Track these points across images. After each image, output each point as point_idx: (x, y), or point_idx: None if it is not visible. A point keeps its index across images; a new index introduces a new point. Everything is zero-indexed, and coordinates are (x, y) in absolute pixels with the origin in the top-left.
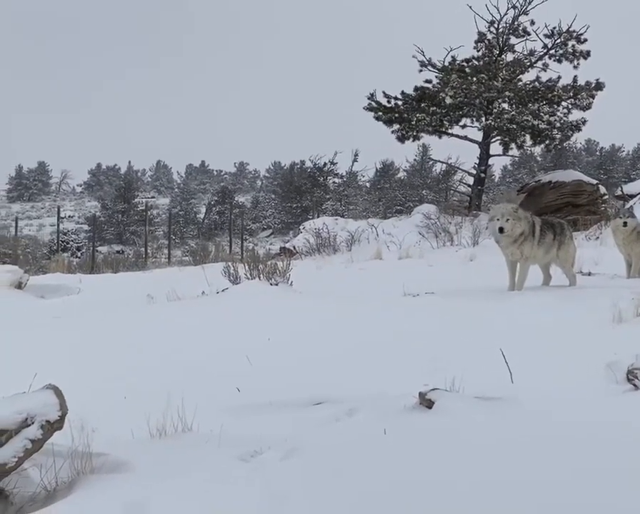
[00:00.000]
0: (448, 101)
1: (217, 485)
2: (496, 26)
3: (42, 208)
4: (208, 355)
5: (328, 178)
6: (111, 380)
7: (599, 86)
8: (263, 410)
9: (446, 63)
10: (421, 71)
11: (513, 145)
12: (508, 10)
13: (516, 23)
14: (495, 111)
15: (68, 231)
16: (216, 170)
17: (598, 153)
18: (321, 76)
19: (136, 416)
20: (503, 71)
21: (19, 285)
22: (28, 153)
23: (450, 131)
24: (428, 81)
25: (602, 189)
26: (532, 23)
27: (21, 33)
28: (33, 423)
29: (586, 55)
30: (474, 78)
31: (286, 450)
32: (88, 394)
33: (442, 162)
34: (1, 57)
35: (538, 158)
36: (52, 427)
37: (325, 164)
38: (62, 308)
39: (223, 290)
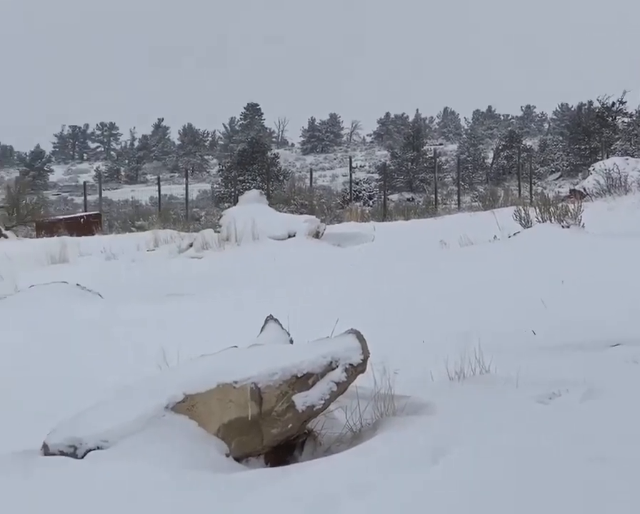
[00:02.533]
0: None
1: (515, 426)
2: None
3: (334, 159)
4: (499, 298)
5: (617, 117)
6: (407, 323)
7: None
8: (559, 352)
9: None
10: None
11: None
12: None
13: None
14: None
15: (360, 181)
16: (503, 115)
17: None
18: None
19: (434, 359)
20: None
21: (317, 235)
22: (320, 106)
23: None
24: None
25: None
26: None
27: None
28: (337, 367)
29: None
30: None
31: (584, 392)
32: (388, 338)
33: None
34: None
35: None
36: (355, 370)
37: (613, 104)
38: (358, 255)
39: (514, 234)
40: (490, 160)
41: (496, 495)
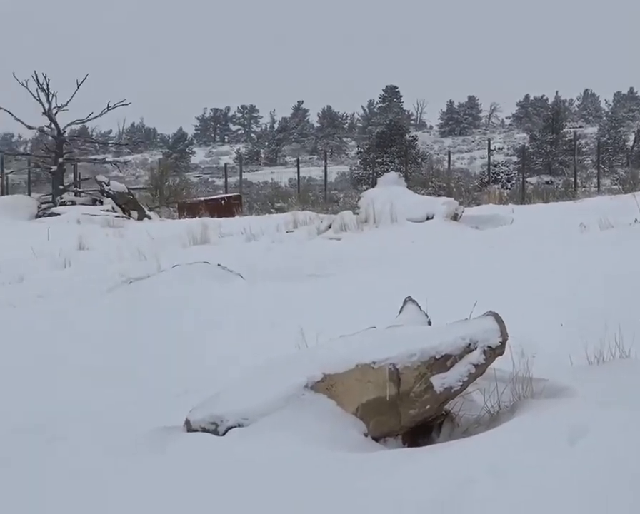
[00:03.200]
0: None
1: None
2: None
3: (472, 142)
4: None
5: None
6: (546, 306)
7: None
8: None
9: None
10: None
11: None
12: None
13: None
14: None
15: (498, 163)
16: None
17: None
18: None
19: (572, 342)
20: None
21: (455, 217)
22: (459, 88)
23: None
24: None
25: None
26: None
27: None
28: (475, 349)
29: None
30: None
31: None
32: (526, 320)
33: None
34: None
35: None
36: (494, 352)
37: None
38: (496, 237)
39: None
40: (631, 143)
41: (636, 481)
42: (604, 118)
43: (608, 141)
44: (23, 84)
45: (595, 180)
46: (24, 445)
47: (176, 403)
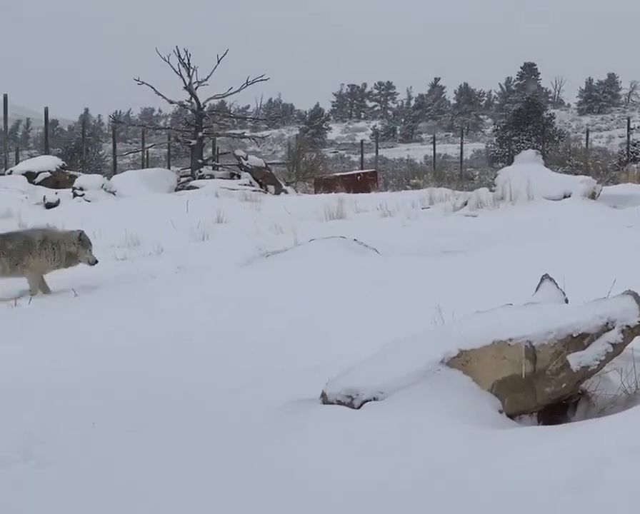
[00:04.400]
0: None
1: None
2: None
3: (611, 120)
4: None
5: None
6: None
7: None
8: None
9: None
10: None
11: None
12: None
13: None
14: None
15: (638, 142)
16: None
17: None
18: None
19: None
20: None
21: (592, 195)
22: (599, 66)
23: None
24: None
25: None
26: None
27: None
28: (613, 328)
29: None
30: None
31: None
32: None
33: None
34: None
35: None
36: (632, 332)
37: None
38: (636, 217)
39: None
40: None
41: None
42: None
43: None
44: (165, 59)
45: None
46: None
47: (310, 376)
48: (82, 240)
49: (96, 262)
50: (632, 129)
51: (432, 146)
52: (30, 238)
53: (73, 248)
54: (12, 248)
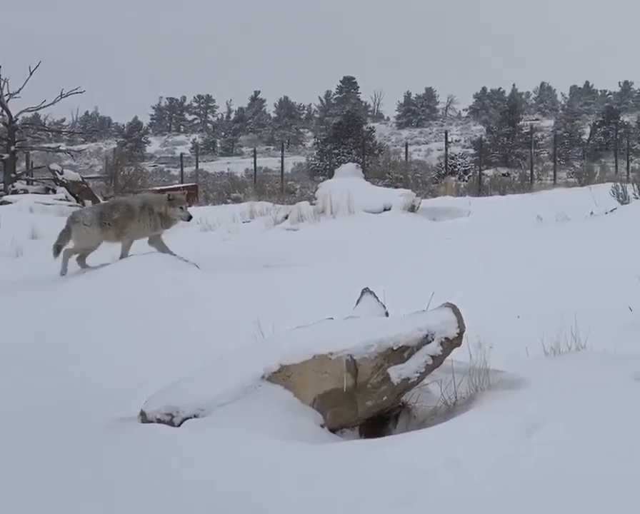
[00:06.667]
0: None
1: (612, 403)
2: None
3: (430, 134)
4: (595, 274)
5: None
6: (503, 298)
7: None
8: None
9: None
10: None
11: None
12: None
13: None
14: None
15: (455, 155)
16: (600, 91)
17: None
18: None
19: (529, 334)
20: None
21: (412, 208)
22: (416, 80)
23: None
24: None
25: None
26: None
27: None
28: (433, 340)
29: None
30: None
31: None
32: (484, 312)
33: None
34: None
35: None
36: (451, 344)
37: None
38: (454, 229)
39: (611, 211)
40: (586, 136)
41: (588, 472)
42: (560, 111)
43: (564, 134)
44: None
45: (551, 172)
46: None
47: (134, 394)
48: (170, 200)
49: (190, 218)
50: (450, 142)
51: (253, 160)
52: (131, 205)
53: (163, 209)
54: (117, 217)
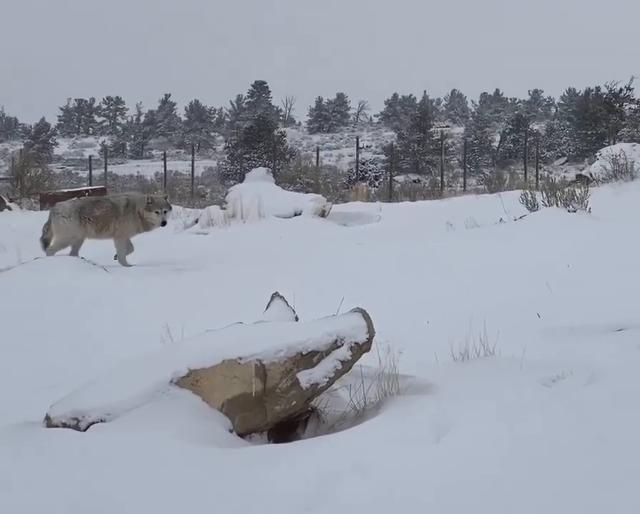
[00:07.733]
0: None
1: (519, 408)
2: None
3: (341, 139)
4: (504, 280)
5: (624, 104)
6: (412, 304)
7: None
8: (564, 335)
9: None
10: None
11: None
12: None
13: None
14: None
15: (366, 161)
16: (510, 99)
17: None
18: None
19: (439, 340)
20: None
21: (323, 214)
22: (327, 86)
23: None
24: None
25: None
26: None
27: None
28: (342, 345)
29: None
30: None
31: (588, 376)
32: (393, 317)
33: None
34: None
35: None
36: (360, 349)
37: (621, 90)
38: (364, 235)
39: (520, 217)
40: (496, 144)
41: (495, 476)
42: (470, 118)
43: (475, 141)
44: None
45: (461, 179)
46: None
47: (40, 398)
48: (149, 203)
49: (164, 224)
50: (361, 148)
51: (163, 163)
52: (115, 203)
53: (142, 210)
54: (99, 214)
